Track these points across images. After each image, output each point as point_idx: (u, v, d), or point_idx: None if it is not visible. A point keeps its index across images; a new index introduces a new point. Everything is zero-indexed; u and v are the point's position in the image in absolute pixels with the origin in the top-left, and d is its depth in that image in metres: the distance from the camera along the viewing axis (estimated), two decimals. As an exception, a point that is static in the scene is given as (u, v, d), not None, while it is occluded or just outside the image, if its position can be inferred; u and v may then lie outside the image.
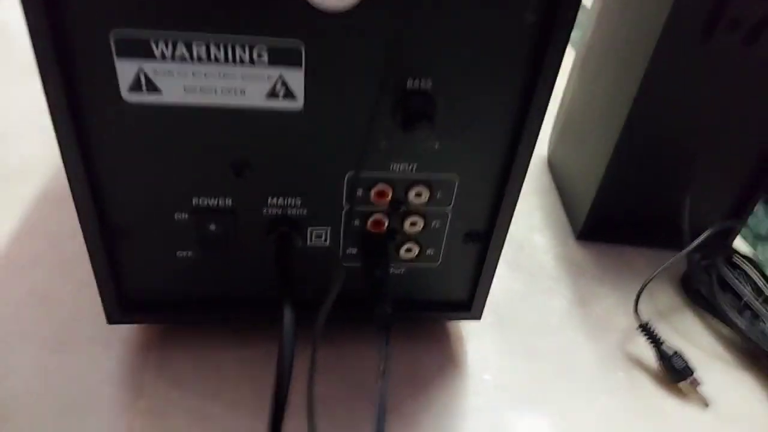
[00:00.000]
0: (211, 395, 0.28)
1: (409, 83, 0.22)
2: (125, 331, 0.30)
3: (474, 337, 0.32)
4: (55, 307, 0.31)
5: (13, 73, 0.51)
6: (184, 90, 0.22)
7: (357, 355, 0.30)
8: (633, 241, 0.39)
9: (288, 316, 0.23)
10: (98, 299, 0.30)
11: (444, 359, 0.31)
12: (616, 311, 0.35)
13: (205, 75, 0.21)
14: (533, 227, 0.40)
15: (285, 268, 0.25)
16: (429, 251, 0.28)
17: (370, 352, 0.30)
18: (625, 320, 0.34)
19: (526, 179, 0.25)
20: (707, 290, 0.35)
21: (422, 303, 0.30)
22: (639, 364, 0.32)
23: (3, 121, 0.45)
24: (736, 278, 0.35)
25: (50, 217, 0.37)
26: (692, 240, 0.35)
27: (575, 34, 0.24)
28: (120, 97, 0.21)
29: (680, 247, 0.35)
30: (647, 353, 0.32)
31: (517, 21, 0.21)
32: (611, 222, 0.39)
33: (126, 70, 0.21)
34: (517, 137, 0.24)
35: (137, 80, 0.21)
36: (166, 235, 0.26)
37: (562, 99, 0.45)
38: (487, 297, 0.30)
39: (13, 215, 0.37)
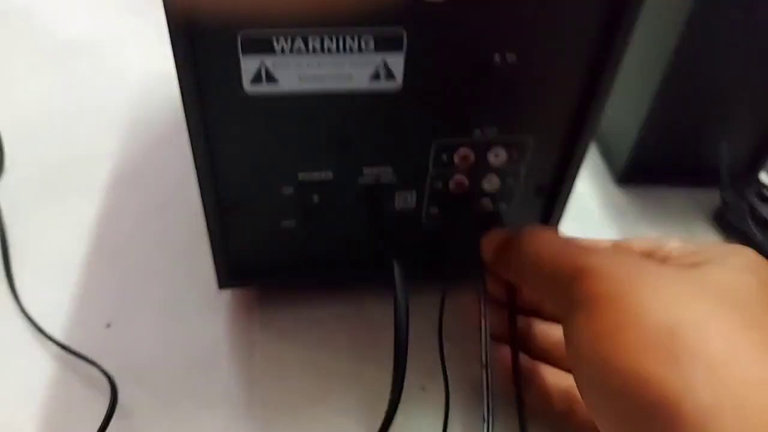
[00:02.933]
0: (315, 345, 0.31)
1: (496, 58, 0.25)
2: (228, 297, 0.33)
3: None
4: (160, 281, 0.34)
5: (50, 59, 0.52)
6: (299, 79, 0.24)
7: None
8: (670, 183, 0.42)
9: (398, 269, 0.26)
10: (195, 271, 0.33)
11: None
12: None
13: (318, 64, 0.24)
14: None
15: (386, 231, 0.28)
16: (502, 205, 0.31)
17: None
18: None
19: None
20: (740, 222, 0.38)
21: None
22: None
23: (58, 105, 0.47)
24: (766, 207, 0.39)
25: (131, 199, 0.39)
26: (727, 178, 0.38)
27: None
28: (242, 88, 0.24)
29: (715, 187, 0.38)
30: None
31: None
32: (650, 166, 0.42)
33: (249, 64, 0.23)
34: (587, 104, 0.27)
35: (258, 73, 0.23)
36: (272, 208, 0.29)
37: None
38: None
39: (92, 198, 0.39)
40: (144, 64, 0.51)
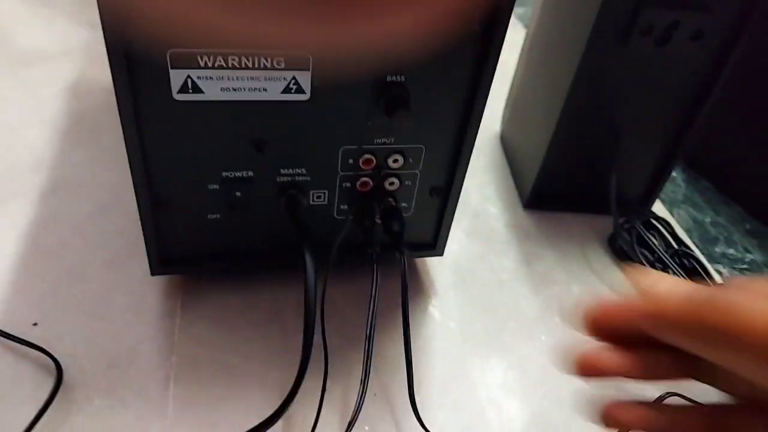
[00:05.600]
0: (230, 350, 0.35)
1: (389, 78, 0.30)
2: (152, 302, 0.36)
3: (444, 290, 0.40)
4: (89, 284, 0.37)
5: (9, 67, 0.55)
6: (221, 90, 0.28)
7: (353, 288, 0.38)
8: (571, 209, 0.48)
9: (309, 257, 0.30)
10: (125, 275, 0.37)
11: (415, 308, 0.39)
12: (554, 269, 0.43)
13: (237, 78, 0.28)
14: (487, 198, 0.49)
15: (301, 223, 0.32)
16: (403, 204, 0.36)
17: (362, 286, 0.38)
18: (562, 274, 0.43)
19: (482, 154, 0.33)
20: (628, 247, 0.43)
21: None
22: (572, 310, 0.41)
23: (4, 115, 0.50)
24: (651, 236, 0.43)
25: (70, 205, 0.42)
26: (618, 207, 0.44)
27: (521, 10, 0.31)
28: (172, 97, 0.28)
29: (609, 214, 0.44)
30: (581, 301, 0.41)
31: (467, 31, 0.29)
32: (553, 193, 0.47)
33: (177, 77, 0.27)
34: (468, 115, 0.32)
35: (185, 84, 0.28)
36: (199, 202, 0.33)
37: (513, 81, 0.53)
38: (447, 238, 0.38)
39: (32, 203, 0.42)
40: (90, 75, 0.54)
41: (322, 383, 0.31)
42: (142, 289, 0.37)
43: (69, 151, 0.47)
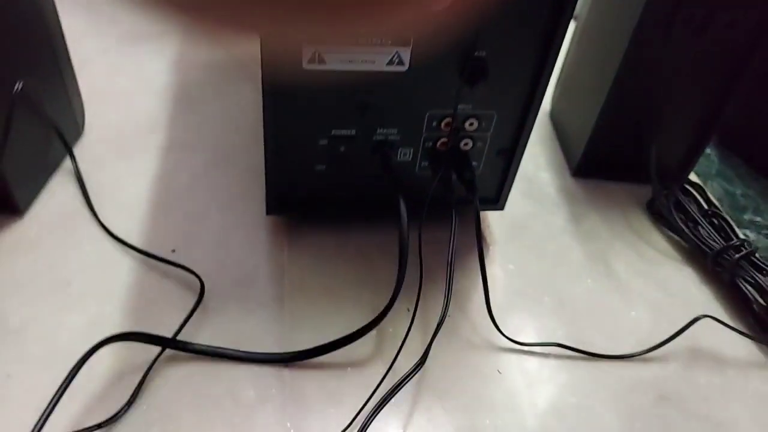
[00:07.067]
0: (329, 275, 0.43)
1: (475, 53, 0.37)
2: (265, 236, 0.44)
3: (502, 241, 0.47)
4: (213, 221, 0.45)
5: (117, 43, 0.63)
6: (339, 61, 0.36)
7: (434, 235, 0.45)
8: (614, 178, 0.54)
9: (402, 203, 0.37)
10: (240, 215, 0.44)
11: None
12: (598, 227, 0.49)
13: (353, 52, 0.35)
14: (539, 166, 0.55)
15: (394, 175, 0.40)
16: (474, 162, 0.43)
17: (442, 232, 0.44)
18: (606, 232, 0.49)
19: (535, 129, 0.38)
20: (665, 210, 0.49)
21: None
22: (612, 259, 0.48)
23: (121, 84, 0.58)
24: (686, 201, 0.49)
25: (183, 160, 0.50)
26: (657, 176, 0.50)
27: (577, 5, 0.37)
28: (301, 66, 0.35)
29: (648, 183, 0.50)
30: (621, 254, 0.47)
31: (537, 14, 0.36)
32: (598, 162, 0.53)
33: (307, 50, 0.35)
34: (534, 88, 0.39)
35: (313, 56, 0.35)
36: (311, 154, 0.40)
37: (563, 65, 0.59)
38: (508, 195, 0.45)
39: (155, 158, 0.50)
40: (188, 55, 0.63)
41: (416, 298, 0.38)
42: (255, 228, 0.44)
43: (178, 117, 0.55)
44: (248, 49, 0.64)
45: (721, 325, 0.41)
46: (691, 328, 0.40)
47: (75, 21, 0.65)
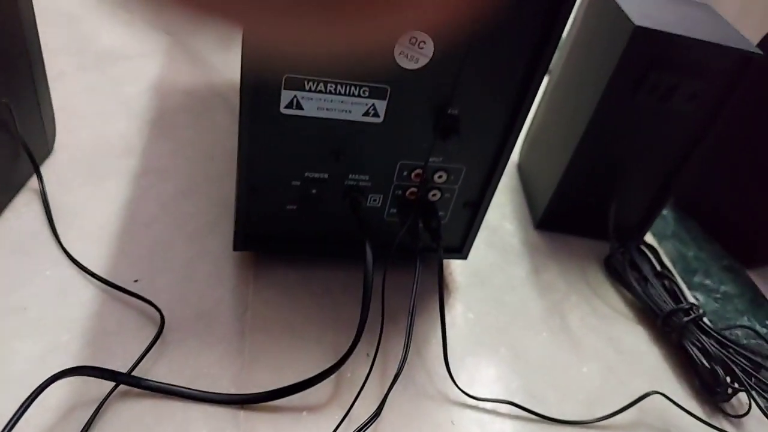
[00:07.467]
0: (292, 313, 0.43)
1: (449, 110, 0.38)
2: (230, 269, 0.44)
3: (464, 289, 0.48)
4: (177, 253, 0.45)
5: (96, 63, 0.63)
6: (317, 108, 0.37)
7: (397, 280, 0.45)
8: (576, 233, 0.56)
9: (369, 247, 0.38)
10: (207, 248, 0.44)
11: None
12: (557, 280, 0.51)
13: (330, 100, 0.36)
14: (504, 216, 0.57)
15: (362, 220, 0.40)
16: (441, 213, 0.44)
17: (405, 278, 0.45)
18: (563, 285, 0.51)
19: (502, 180, 0.40)
20: (620, 267, 0.51)
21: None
22: (568, 313, 0.49)
23: (97, 105, 0.58)
24: (640, 260, 0.52)
25: (155, 186, 0.50)
26: (615, 234, 0.52)
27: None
28: (279, 110, 0.36)
29: (607, 240, 0.52)
30: (576, 308, 0.49)
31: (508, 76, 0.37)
32: (561, 216, 0.55)
33: (286, 96, 0.36)
34: (503, 145, 0.40)
35: (291, 101, 0.36)
36: (283, 194, 0.41)
37: (533, 118, 0.61)
38: (472, 245, 0.46)
39: (126, 183, 0.50)
40: (169, 78, 0.63)
41: (376, 345, 0.39)
42: (221, 260, 0.45)
43: (154, 142, 0.55)
44: (228, 81, 0.65)
45: (671, 403, 0.42)
46: (642, 402, 0.41)
47: (54, 34, 0.65)
